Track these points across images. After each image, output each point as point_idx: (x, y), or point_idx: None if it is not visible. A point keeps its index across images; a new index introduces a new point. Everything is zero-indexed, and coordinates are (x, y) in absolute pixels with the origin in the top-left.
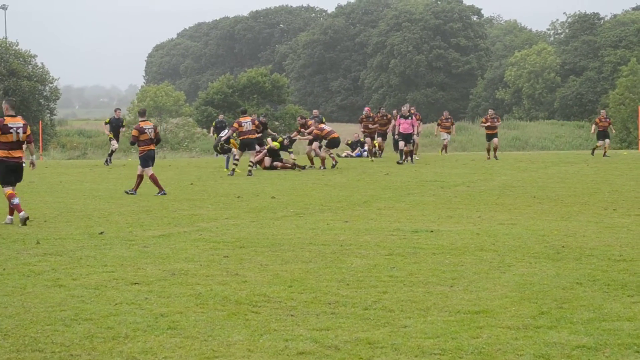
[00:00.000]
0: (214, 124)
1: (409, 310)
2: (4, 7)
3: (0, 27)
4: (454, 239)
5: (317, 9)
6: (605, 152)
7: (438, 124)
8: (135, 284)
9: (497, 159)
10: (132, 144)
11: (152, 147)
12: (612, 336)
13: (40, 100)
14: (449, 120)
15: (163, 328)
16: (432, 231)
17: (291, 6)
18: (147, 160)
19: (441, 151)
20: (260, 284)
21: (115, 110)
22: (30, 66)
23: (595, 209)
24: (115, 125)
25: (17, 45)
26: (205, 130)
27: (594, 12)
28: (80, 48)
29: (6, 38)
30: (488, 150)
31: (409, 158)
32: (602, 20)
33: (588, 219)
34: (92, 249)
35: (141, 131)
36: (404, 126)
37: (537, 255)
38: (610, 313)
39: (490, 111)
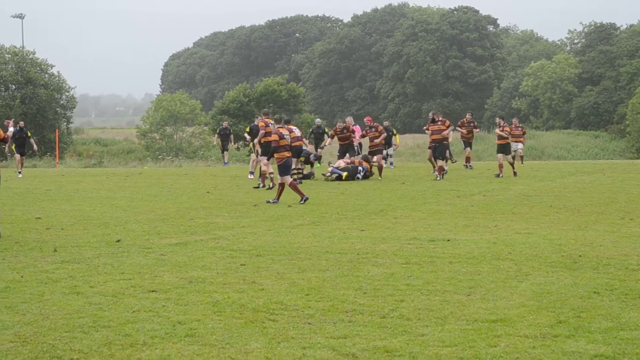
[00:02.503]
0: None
1: (426, 319)
2: (21, 16)
3: (18, 36)
4: (471, 248)
5: (332, 18)
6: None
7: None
8: (153, 291)
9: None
10: (274, 150)
11: (289, 154)
12: (631, 345)
13: (57, 109)
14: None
15: (181, 336)
16: (448, 240)
17: (307, 15)
18: (287, 168)
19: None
20: (277, 292)
21: (222, 122)
22: (47, 75)
23: (612, 219)
24: (224, 134)
25: (34, 54)
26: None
27: (610, 23)
28: (96, 57)
29: (23, 47)
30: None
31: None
32: (618, 30)
33: (605, 228)
34: (109, 256)
35: (281, 137)
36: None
37: (554, 265)
38: (629, 322)
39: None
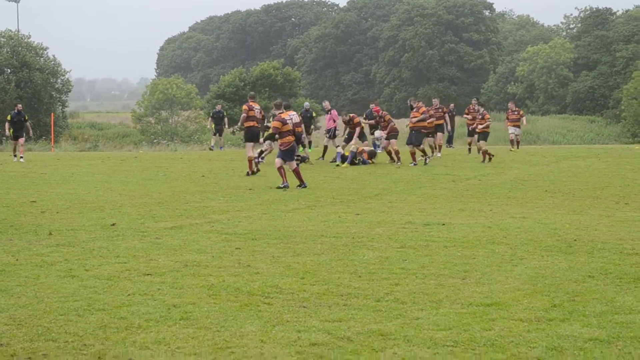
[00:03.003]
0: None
1: (421, 303)
2: (16, 0)
3: (13, 20)
4: (466, 232)
5: (328, 2)
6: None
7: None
8: (148, 274)
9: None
10: (273, 136)
11: (292, 138)
12: (625, 329)
13: (52, 93)
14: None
15: (176, 319)
16: (443, 224)
17: (303, 0)
18: (292, 152)
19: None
20: (272, 276)
21: (216, 106)
22: (42, 59)
23: (607, 203)
24: (217, 118)
25: (29, 38)
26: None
27: (606, 7)
28: (92, 41)
29: (18, 31)
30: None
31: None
32: (614, 15)
33: (600, 212)
34: (104, 240)
35: (283, 122)
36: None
37: (549, 249)
38: (623, 306)
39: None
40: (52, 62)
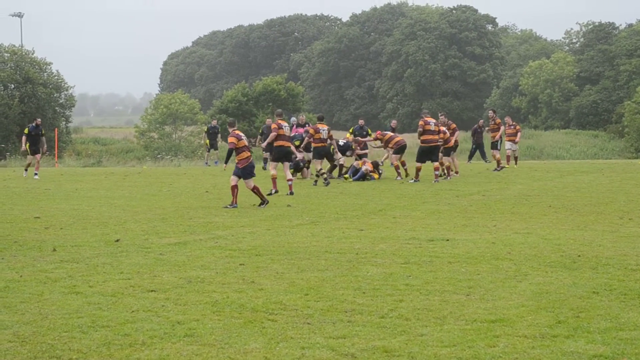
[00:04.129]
0: (206, 129)
1: (425, 319)
2: (20, 15)
3: (16, 34)
4: (470, 248)
5: (331, 17)
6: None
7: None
8: (152, 291)
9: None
10: (230, 151)
11: (249, 154)
12: (630, 345)
13: (56, 108)
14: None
15: (180, 335)
16: (447, 240)
17: (306, 15)
18: (247, 171)
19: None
20: (276, 292)
21: (212, 121)
22: (45, 74)
23: (611, 218)
24: (212, 133)
25: (33, 54)
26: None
27: (609, 22)
28: (95, 56)
29: (22, 46)
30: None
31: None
32: (617, 30)
33: (604, 228)
34: (108, 256)
35: (238, 138)
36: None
37: (553, 265)
38: (628, 322)
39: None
40: (56, 77)
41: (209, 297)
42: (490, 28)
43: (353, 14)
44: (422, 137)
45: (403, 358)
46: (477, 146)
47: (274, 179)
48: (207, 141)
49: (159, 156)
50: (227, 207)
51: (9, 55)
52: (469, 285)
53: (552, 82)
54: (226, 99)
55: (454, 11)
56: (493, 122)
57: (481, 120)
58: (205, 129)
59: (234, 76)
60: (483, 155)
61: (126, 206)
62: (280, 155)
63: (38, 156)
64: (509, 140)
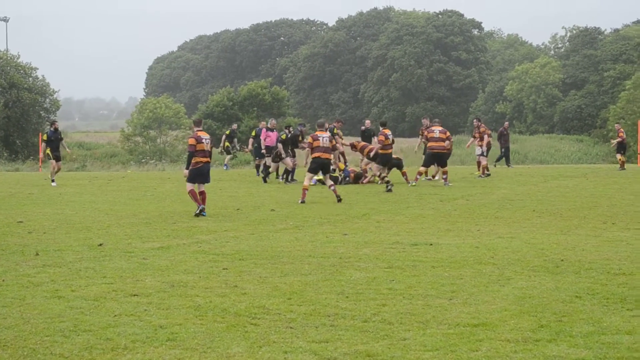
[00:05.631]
0: (228, 132)
1: (408, 323)
2: (5, 20)
3: (2, 39)
4: (453, 252)
5: (317, 22)
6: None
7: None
8: (135, 295)
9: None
10: (191, 154)
11: (205, 160)
12: (612, 350)
13: (41, 112)
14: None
15: (162, 340)
16: (431, 244)
17: (292, 19)
18: (197, 175)
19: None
20: (259, 296)
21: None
22: (30, 78)
23: (595, 223)
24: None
25: (18, 58)
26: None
27: (595, 27)
28: (80, 60)
29: (7, 50)
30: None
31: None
32: (602, 35)
33: (587, 232)
34: (91, 260)
35: (198, 140)
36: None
37: (536, 269)
38: (610, 327)
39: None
40: (41, 82)
41: (192, 302)
42: (476, 33)
43: (339, 19)
44: (429, 144)
45: None
46: (505, 150)
47: (305, 190)
48: (227, 144)
49: (143, 160)
50: (196, 214)
51: None
52: (452, 290)
53: (537, 88)
54: (211, 103)
55: (440, 16)
56: (477, 131)
57: (506, 123)
58: (227, 132)
59: (219, 81)
60: (507, 161)
61: (110, 210)
62: (318, 166)
63: (60, 164)
64: (478, 145)
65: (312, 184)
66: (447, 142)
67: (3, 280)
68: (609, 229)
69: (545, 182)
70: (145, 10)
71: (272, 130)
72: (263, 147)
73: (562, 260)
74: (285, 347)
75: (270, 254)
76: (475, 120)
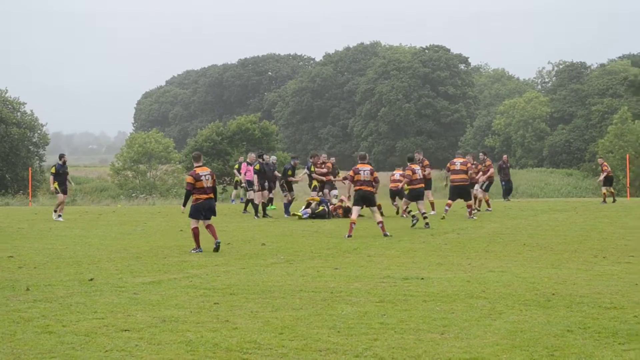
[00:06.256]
0: (237, 166)
1: (400, 358)
2: None
3: None
4: (445, 286)
5: (304, 56)
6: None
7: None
8: (126, 330)
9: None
10: (188, 192)
11: (206, 196)
12: None
13: (30, 147)
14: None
15: None
16: (422, 278)
17: (279, 54)
18: (197, 211)
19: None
20: (250, 331)
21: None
22: (19, 113)
23: (585, 257)
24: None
25: (6, 93)
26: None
27: (581, 62)
28: (69, 95)
29: None
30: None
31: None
32: (589, 69)
33: (578, 266)
34: (82, 295)
35: (197, 178)
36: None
37: (527, 303)
38: None
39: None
40: (29, 117)
41: (183, 337)
42: (462, 67)
43: (326, 54)
44: (450, 177)
45: None
46: (506, 183)
47: (352, 224)
48: (238, 178)
49: (133, 195)
50: (192, 251)
51: None
52: (443, 324)
53: (524, 122)
54: (200, 138)
55: (426, 51)
56: (484, 164)
57: (505, 156)
58: (237, 167)
59: (208, 115)
60: (508, 194)
61: (100, 245)
62: (360, 199)
63: (65, 197)
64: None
65: (303, 216)
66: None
67: None
68: (599, 262)
69: (535, 216)
70: (133, 46)
71: (250, 164)
72: (243, 181)
73: (553, 294)
74: None
75: (261, 288)
76: (481, 154)
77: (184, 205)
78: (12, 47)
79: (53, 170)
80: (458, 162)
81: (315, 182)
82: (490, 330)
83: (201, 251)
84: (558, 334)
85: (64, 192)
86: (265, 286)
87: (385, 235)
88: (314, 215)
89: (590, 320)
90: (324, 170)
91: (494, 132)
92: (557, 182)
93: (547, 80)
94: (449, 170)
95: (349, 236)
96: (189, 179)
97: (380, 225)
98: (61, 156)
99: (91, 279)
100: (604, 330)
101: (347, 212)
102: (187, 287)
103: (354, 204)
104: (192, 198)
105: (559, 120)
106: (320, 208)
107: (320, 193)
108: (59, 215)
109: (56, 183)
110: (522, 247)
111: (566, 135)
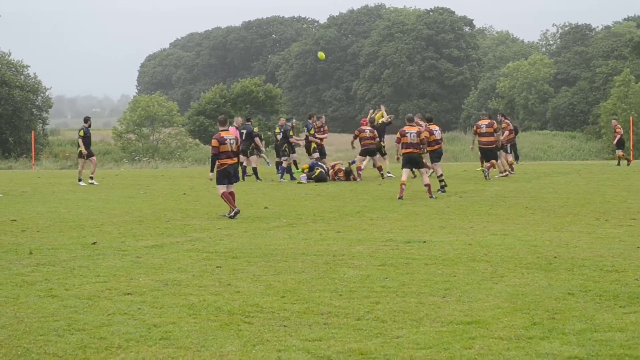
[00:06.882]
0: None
1: (401, 321)
2: None
3: None
4: (447, 250)
5: (308, 19)
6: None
7: None
8: (128, 294)
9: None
10: (214, 156)
11: (231, 161)
12: (604, 347)
13: (33, 110)
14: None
15: (156, 338)
16: (424, 242)
17: (283, 16)
18: (223, 177)
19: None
20: (253, 295)
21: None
22: (22, 76)
23: (587, 220)
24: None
25: (9, 56)
26: (197, 140)
27: (585, 23)
28: (72, 58)
29: None
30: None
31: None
32: (593, 32)
33: (580, 229)
34: (85, 259)
35: (221, 141)
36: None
37: (529, 266)
38: (602, 324)
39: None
40: (33, 80)
41: (186, 300)
42: (467, 30)
43: (330, 16)
44: (478, 139)
45: None
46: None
47: (402, 186)
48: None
49: (136, 158)
50: (226, 216)
51: None
52: (445, 287)
53: (528, 85)
54: (204, 100)
55: (430, 13)
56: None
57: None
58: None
59: (211, 78)
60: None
61: (103, 209)
62: (407, 161)
63: (94, 159)
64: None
65: (302, 182)
66: (496, 134)
67: None
68: (602, 225)
69: (538, 179)
70: (136, 8)
71: (238, 128)
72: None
73: (555, 257)
74: (279, 346)
75: (263, 251)
76: (499, 116)
77: (212, 170)
78: (15, 10)
79: (82, 133)
80: (484, 125)
81: (313, 145)
82: (491, 294)
83: (238, 211)
84: (559, 297)
85: (90, 155)
86: (267, 250)
87: (431, 197)
88: (314, 180)
89: (591, 283)
90: (326, 135)
91: (497, 94)
92: (560, 144)
93: (551, 42)
94: (475, 133)
95: (399, 197)
96: (213, 142)
97: (427, 187)
98: (87, 119)
99: (94, 243)
100: (605, 293)
101: (348, 174)
102: (190, 250)
103: (403, 167)
104: (218, 163)
105: (562, 82)
106: (317, 171)
107: (319, 157)
108: (91, 177)
109: (82, 147)
110: (524, 210)
111: (570, 98)
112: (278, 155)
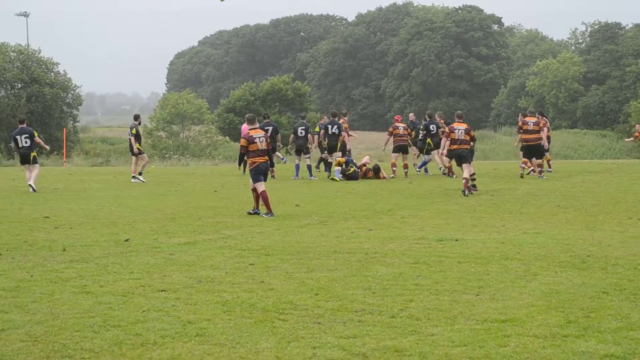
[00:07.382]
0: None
1: (435, 319)
2: (26, 15)
3: (22, 34)
4: (479, 248)
5: (337, 17)
6: None
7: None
8: (162, 291)
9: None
10: (242, 155)
11: (261, 159)
12: None
13: (63, 107)
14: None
15: (191, 335)
16: (457, 240)
17: (311, 14)
18: (257, 174)
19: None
20: (286, 292)
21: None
22: (52, 73)
23: (620, 218)
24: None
25: (39, 53)
26: (227, 137)
27: (615, 22)
28: (101, 56)
29: (28, 45)
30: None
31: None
32: (623, 30)
33: (613, 228)
34: (118, 256)
35: (250, 140)
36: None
37: (562, 264)
38: (638, 322)
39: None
40: (63, 77)
41: (219, 297)
42: (496, 28)
43: (359, 14)
44: (522, 137)
45: (414, 358)
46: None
47: (465, 180)
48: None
49: (166, 155)
50: (264, 215)
51: (15, 55)
52: (478, 285)
53: (558, 83)
54: (233, 98)
55: (459, 11)
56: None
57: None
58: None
59: (240, 76)
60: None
61: (135, 206)
62: (456, 157)
63: (146, 156)
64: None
65: (336, 178)
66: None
67: (31, 276)
68: (634, 224)
69: (569, 178)
70: (165, 6)
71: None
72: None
73: (588, 255)
74: (314, 343)
75: (296, 249)
76: (538, 114)
77: (239, 165)
78: (45, 9)
79: (134, 131)
80: (531, 122)
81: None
82: (525, 292)
83: (272, 215)
84: (594, 295)
85: (140, 152)
86: (299, 247)
87: (464, 192)
88: (346, 177)
89: (625, 281)
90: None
91: (527, 93)
92: (591, 143)
93: (580, 41)
94: (520, 129)
95: (463, 191)
96: (242, 141)
97: (464, 181)
98: (137, 117)
99: (127, 240)
100: (639, 292)
101: (377, 172)
102: (222, 248)
103: (457, 164)
104: (249, 162)
105: (592, 81)
106: (352, 169)
107: (347, 153)
108: (140, 173)
109: (137, 144)
110: (556, 208)
111: (600, 97)
112: (322, 152)
